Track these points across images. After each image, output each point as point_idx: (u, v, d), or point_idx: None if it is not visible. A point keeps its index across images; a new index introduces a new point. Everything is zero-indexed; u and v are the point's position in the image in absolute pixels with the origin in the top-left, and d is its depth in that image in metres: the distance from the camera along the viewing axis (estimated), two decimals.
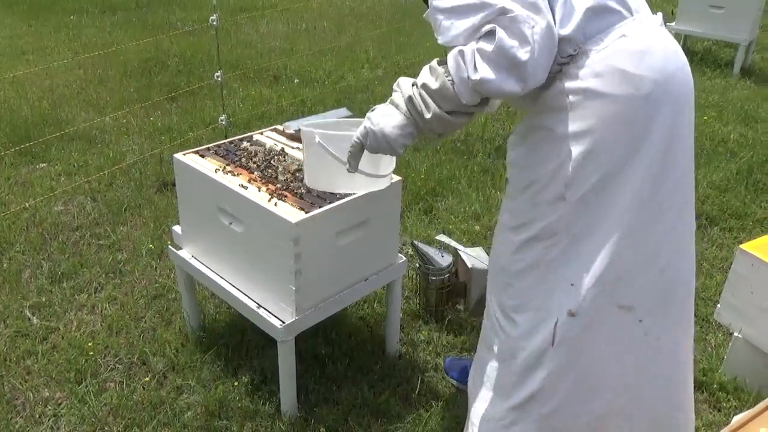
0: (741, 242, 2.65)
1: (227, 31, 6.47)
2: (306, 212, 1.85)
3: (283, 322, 1.94)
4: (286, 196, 1.94)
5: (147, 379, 2.28)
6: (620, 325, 1.50)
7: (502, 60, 1.29)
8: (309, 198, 1.94)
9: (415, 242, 2.60)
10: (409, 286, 2.75)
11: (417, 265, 2.61)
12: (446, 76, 1.37)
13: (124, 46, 5.76)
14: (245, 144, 2.29)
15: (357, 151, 1.56)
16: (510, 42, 1.27)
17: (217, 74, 3.89)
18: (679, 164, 1.48)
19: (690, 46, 6.21)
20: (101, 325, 2.54)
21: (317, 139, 1.69)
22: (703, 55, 6.04)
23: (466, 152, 4.02)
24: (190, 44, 6.01)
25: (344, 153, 1.59)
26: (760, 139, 4.29)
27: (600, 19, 1.38)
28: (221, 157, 2.18)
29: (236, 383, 2.24)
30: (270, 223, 1.87)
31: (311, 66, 5.59)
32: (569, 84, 1.40)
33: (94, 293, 2.73)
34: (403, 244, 3.02)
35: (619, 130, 1.39)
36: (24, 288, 2.75)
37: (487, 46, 1.29)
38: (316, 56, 5.88)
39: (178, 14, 7.14)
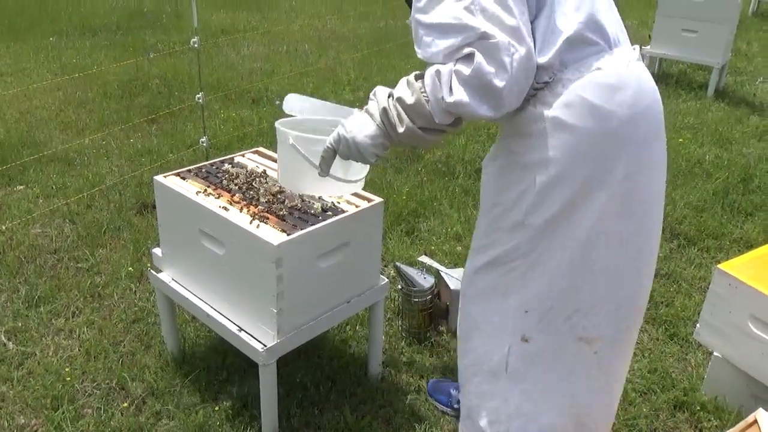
0: (718, 262, 2.68)
1: (208, 53, 6.48)
2: (288, 234, 1.85)
3: (265, 346, 1.92)
4: (267, 218, 1.93)
5: (125, 404, 2.24)
6: (576, 354, 1.52)
7: (479, 85, 1.28)
8: (291, 220, 1.94)
9: (398, 264, 2.60)
10: (391, 307, 2.75)
11: (399, 287, 2.60)
12: (422, 93, 1.36)
13: (104, 67, 5.74)
14: (226, 166, 2.28)
15: (329, 156, 1.54)
16: (488, 68, 1.26)
17: (198, 96, 3.88)
18: (644, 200, 1.47)
19: (665, 68, 6.33)
20: (79, 350, 2.50)
21: (290, 141, 1.69)
22: (678, 78, 6.16)
23: (448, 173, 4.04)
24: (171, 66, 6.00)
25: (317, 156, 1.58)
26: (734, 159, 4.37)
27: (577, 50, 1.37)
28: (202, 179, 2.17)
29: (217, 408, 2.21)
30: (252, 245, 1.86)
31: (292, 88, 5.60)
32: (539, 111, 1.40)
33: (72, 317, 2.69)
34: (386, 266, 3.02)
35: (583, 163, 1.39)
36: (0, 312, 2.70)
37: (465, 70, 1.29)
38: (298, 78, 5.90)
39: (158, 36, 7.14)
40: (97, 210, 3.52)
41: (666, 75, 6.21)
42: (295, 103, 1.91)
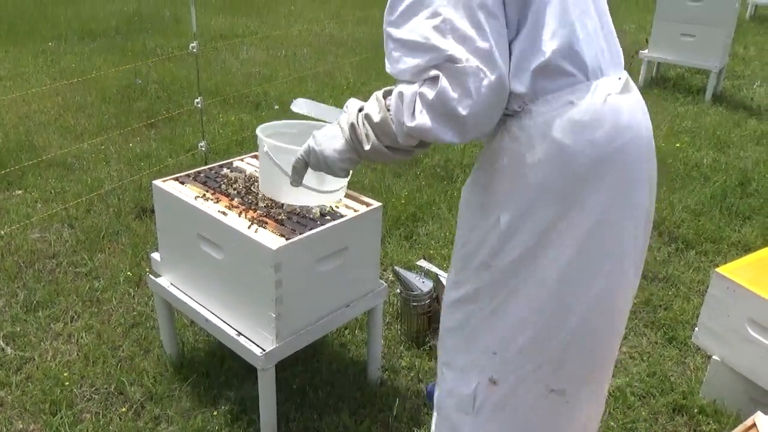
0: (717, 266, 2.69)
1: (207, 57, 6.49)
2: (287, 239, 1.85)
3: (264, 350, 1.92)
4: (266, 223, 1.93)
5: (124, 409, 2.23)
6: (547, 404, 1.45)
7: (442, 110, 1.20)
8: (289, 224, 1.94)
9: (396, 268, 2.61)
10: (390, 312, 2.75)
11: (398, 291, 2.60)
12: (389, 111, 1.30)
13: (103, 72, 5.75)
14: (225, 170, 2.29)
15: (301, 167, 1.50)
16: (452, 93, 1.18)
17: (197, 100, 3.89)
18: (620, 247, 1.36)
19: (663, 72, 6.35)
20: (77, 355, 2.50)
21: (265, 149, 1.69)
22: (675, 82, 6.17)
23: (446, 177, 4.05)
24: (170, 71, 6.01)
25: (291, 166, 1.55)
26: (732, 163, 4.38)
27: (549, 80, 1.26)
28: (201, 183, 2.17)
29: (215, 413, 2.21)
30: (250, 250, 1.86)
31: (291, 92, 5.61)
32: (505, 144, 1.32)
33: (71, 322, 2.69)
34: (384, 270, 3.02)
35: (548, 205, 1.29)
36: None
37: (429, 93, 1.21)
38: (297, 82, 5.91)
39: (157, 41, 7.15)
40: (95, 215, 3.52)
41: (664, 79, 6.22)
42: (303, 107, 1.91)
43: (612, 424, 2.25)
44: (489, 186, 1.36)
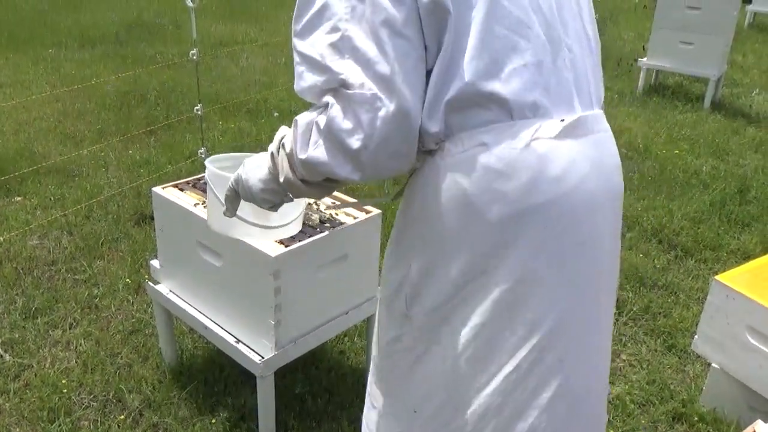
0: (716, 273, 2.69)
1: (207, 65, 6.50)
2: (286, 246, 1.85)
3: (263, 357, 1.92)
4: None
5: (122, 417, 2.23)
6: None
7: (335, 141, 1.05)
8: None
9: None
10: None
11: None
12: None
13: (103, 79, 5.76)
14: None
15: (233, 196, 1.32)
16: (343, 124, 1.03)
17: (197, 107, 3.89)
18: (545, 321, 1.13)
19: (662, 80, 6.36)
20: (76, 362, 2.49)
21: (206, 176, 1.54)
22: (674, 89, 6.19)
23: None
24: (170, 77, 6.02)
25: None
26: (731, 171, 4.38)
27: (463, 116, 1.07)
28: (201, 190, 2.18)
29: (214, 420, 2.20)
30: (249, 257, 1.86)
31: (291, 99, 5.62)
32: (417, 185, 1.16)
33: (69, 329, 2.68)
34: None
35: (456, 261, 1.12)
36: None
37: (322, 122, 1.06)
38: None
39: (157, 48, 7.17)
40: (95, 221, 3.52)
41: (662, 86, 6.24)
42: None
43: None
44: (404, 229, 1.22)
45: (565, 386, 1.17)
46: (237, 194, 1.31)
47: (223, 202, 1.35)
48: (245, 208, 1.39)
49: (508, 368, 1.15)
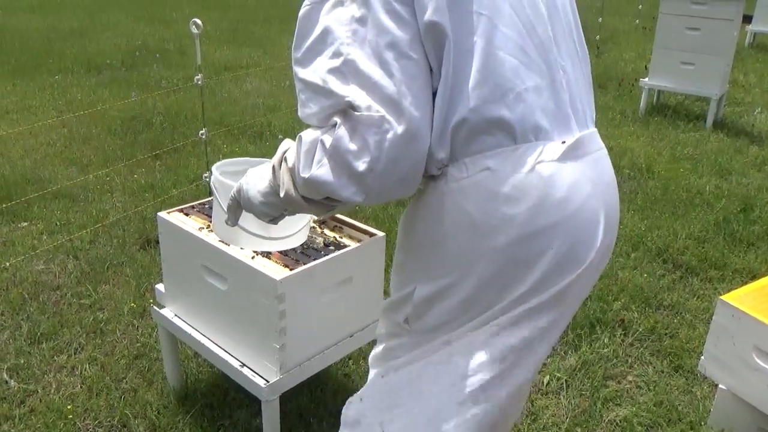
0: (721, 293, 2.68)
1: (212, 89, 6.56)
2: (290, 269, 1.85)
3: (267, 381, 1.91)
4: (270, 254, 1.94)
5: None
6: None
7: (340, 162, 1.04)
8: (293, 255, 1.95)
9: None
10: None
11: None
12: None
13: (109, 104, 5.82)
14: None
15: (234, 206, 1.34)
16: (349, 145, 1.02)
17: (201, 132, 3.92)
18: (545, 325, 1.17)
19: (663, 100, 6.39)
20: (81, 387, 2.49)
21: (212, 182, 1.54)
22: (676, 109, 6.21)
23: None
24: (175, 102, 6.08)
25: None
26: (734, 190, 4.38)
27: (468, 141, 1.08)
28: (206, 215, 2.19)
29: None
30: (254, 281, 1.87)
31: (296, 122, 5.66)
32: (419, 209, 1.17)
33: (74, 354, 2.68)
34: None
35: (464, 280, 1.13)
36: (2, 350, 2.70)
37: (328, 141, 1.05)
38: None
39: (163, 73, 7.24)
40: (100, 246, 3.53)
41: (664, 106, 6.26)
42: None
43: None
44: (408, 251, 1.22)
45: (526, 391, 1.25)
46: (239, 204, 1.31)
47: (226, 210, 1.36)
48: (248, 217, 1.38)
49: (501, 396, 1.18)
